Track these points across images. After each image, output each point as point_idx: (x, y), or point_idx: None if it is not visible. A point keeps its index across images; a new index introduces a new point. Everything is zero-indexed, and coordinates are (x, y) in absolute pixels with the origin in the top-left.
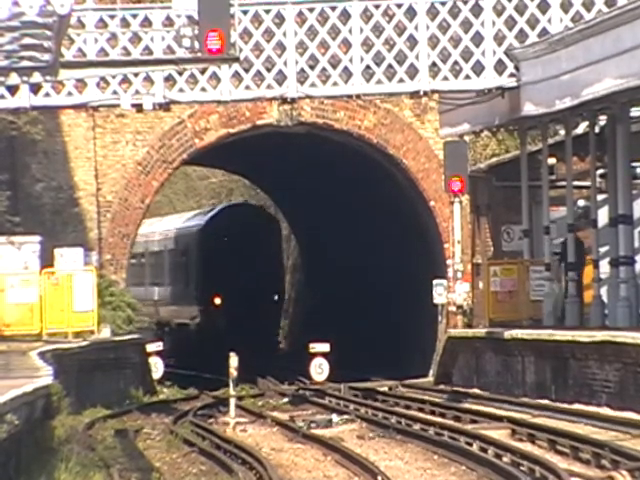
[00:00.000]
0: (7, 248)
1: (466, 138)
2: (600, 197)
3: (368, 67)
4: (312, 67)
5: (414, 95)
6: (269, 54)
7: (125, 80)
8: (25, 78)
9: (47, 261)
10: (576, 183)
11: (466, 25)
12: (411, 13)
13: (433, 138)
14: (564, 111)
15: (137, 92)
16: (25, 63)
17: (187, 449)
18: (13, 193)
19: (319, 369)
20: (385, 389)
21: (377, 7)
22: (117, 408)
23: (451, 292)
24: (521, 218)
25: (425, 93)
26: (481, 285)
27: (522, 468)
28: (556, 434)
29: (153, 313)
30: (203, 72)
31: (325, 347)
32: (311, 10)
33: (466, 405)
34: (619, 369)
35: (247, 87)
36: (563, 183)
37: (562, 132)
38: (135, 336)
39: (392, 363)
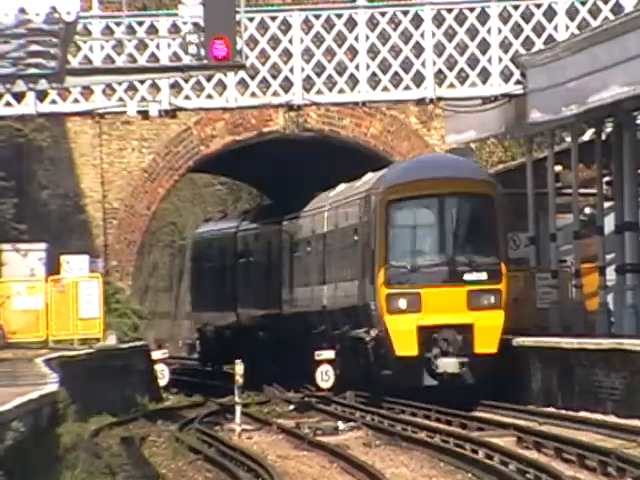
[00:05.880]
0: (13, 255)
1: (472, 145)
2: (606, 204)
3: (374, 74)
4: (318, 74)
5: (420, 102)
6: (275, 61)
7: (131, 87)
8: (31, 85)
9: (53, 268)
10: (582, 190)
11: (472, 32)
12: (417, 20)
13: (439, 145)
14: (570, 118)
15: (143, 99)
16: (31, 70)
17: (193, 456)
18: (19, 200)
19: (325, 376)
20: None
21: (383, 14)
22: (123, 415)
23: None
24: (527, 225)
25: (431, 100)
26: None
27: (528, 476)
28: (562, 442)
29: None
30: (209, 79)
31: (330, 354)
32: (317, 17)
33: (472, 412)
34: (625, 377)
35: (253, 94)
36: (569, 190)
37: (568, 139)
38: (141, 343)
39: None
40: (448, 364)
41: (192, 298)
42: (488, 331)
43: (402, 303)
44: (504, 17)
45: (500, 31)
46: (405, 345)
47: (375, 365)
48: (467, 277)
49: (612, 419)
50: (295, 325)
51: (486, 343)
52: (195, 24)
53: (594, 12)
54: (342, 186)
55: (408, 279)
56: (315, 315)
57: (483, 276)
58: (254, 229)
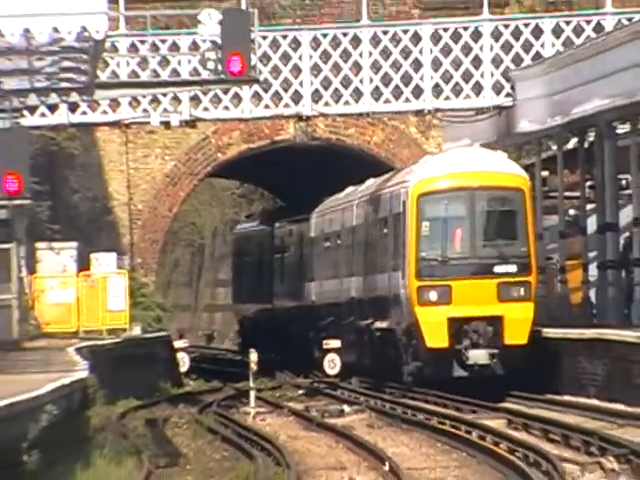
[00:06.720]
0: (47, 253)
1: None
2: (589, 206)
3: (377, 88)
4: (326, 88)
5: (419, 113)
6: (286, 76)
7: (155, 100)
8: (64, 98)
9: (83, 265)
10: (567, 194)
11: (466, 49)
12: (416, 38)
13: (436, 152)
14: (556, 128)
15: (165, 110)
16: (64, 84)
17: (211, 437)
18: (53, 203)
19: (332, 364)
20: None
21: (385, 33)
22: (147, 399)
23: None
24: None
25: (429, 111)
26: None
27: (517, 454)
28: (549, 423)
29: None
30: (226, 92)
31: (337, 343)
32: (325, 36)
33: (466, 397)
34: (606, 364)
35: (266, 106)
36: (555, 194)
37: (554, 147)
38: (164, 333)
39: None
40: (478, 355)
41: (233, 291)
42: (518, 323)
43: (433, 295)
44: (495, 35)
45: (492, 48)
46: (436, 337)
47: (404, 356)
48: (497, 269)
49: (594, 402)
50: (325, 316)
51: (516, 335)
52: (213, 42)
53: (578, 31)
54: (371, 180)
55: (439, 272)
56: (344, 307)
57: (513, 268)
58: (288, 225)
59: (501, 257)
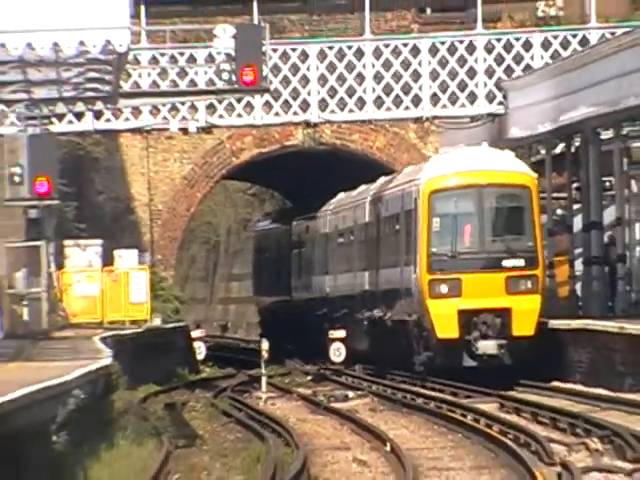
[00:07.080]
0: (74, 250)
1: None
2: (575, 207)
3: (379, 97)
4: (331, 96)
5: (418, 120)
6: (295, 86)
7: (174, 108)
8: (89, 106)
9: (108, 261)
10: (555, 195)
11: (462, 61)
12: (415, 51)
13: (434, 156)
14: (545, 134)
15: (183, 118)
16: (89, 93)
17: (226, 419)
18: (79, 204)
19: (337, 352)
20: None
21: (386, 46)
22: (166, 385)
23: None
24: None
25: (427, 119)
26: None
27: (509, 436)
28: (538, 407)
29: None
30: (239, 101)
31: (342, 333)
32: (331, 48)
33: (462, 382)
34: (590, 352)
35: (276, 114)
36: (544, 195)
37: (543, 152)
38: (181, 324)
39: None
40: (487, 346)
41: (254, 284)
42: (525, 315)
43: (443, 288)
44: (489, 48)
45: (485, 60)
46: (446, 328)
47: (416, 346)
48: (505, 263)
49: (580, 388)
50: (338, 308)
51: (524, 326)
52: (227, 54)
53: (565, 44)
54: (382, 179)
55: (449, 266)
56: (357, 299)
57: (520, 262)
58: (304, 222)
59: (509, 251)
